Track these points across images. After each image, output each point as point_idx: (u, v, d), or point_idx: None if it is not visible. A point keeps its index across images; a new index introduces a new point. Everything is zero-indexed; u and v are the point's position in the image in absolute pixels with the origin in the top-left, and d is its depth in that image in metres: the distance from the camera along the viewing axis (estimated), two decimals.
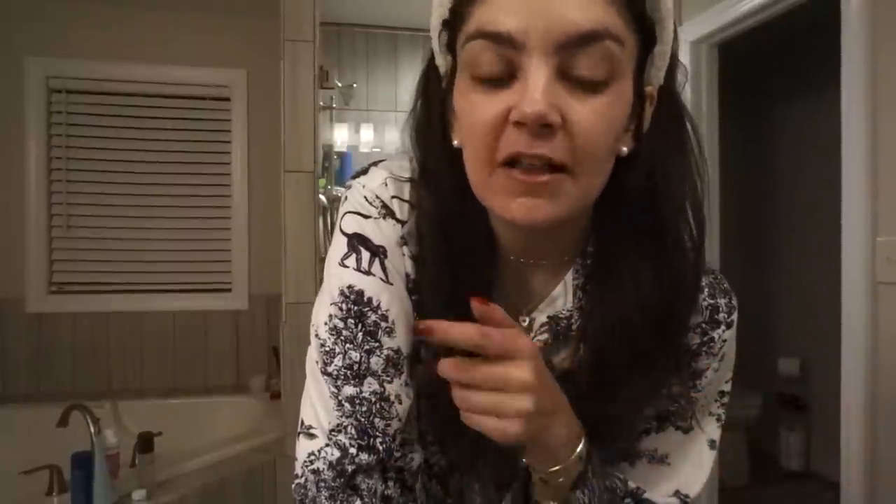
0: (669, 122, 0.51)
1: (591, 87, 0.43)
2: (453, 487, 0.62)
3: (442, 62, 0.52)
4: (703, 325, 0.56)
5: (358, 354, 0.52)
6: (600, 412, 0.54)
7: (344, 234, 0.54)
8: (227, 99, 2.78)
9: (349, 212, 0.55)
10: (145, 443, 1.70)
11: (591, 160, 0.45)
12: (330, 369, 0.52)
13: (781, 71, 3.46)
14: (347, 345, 0.52)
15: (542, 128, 0.42)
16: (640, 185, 0.49)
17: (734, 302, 0.57)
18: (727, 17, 2.02)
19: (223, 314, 2.77)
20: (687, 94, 0.56)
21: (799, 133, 3.37)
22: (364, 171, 0.58)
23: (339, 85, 2.84)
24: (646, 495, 0.59)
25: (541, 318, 0.56)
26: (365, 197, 0.55)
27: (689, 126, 0.52)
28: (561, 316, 0.55)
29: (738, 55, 2.49)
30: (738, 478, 3.07)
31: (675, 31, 0.49)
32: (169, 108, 2.73)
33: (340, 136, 2.94)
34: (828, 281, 1.96)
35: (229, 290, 2.79)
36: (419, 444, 0.55)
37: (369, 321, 0.52)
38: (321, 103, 2.25)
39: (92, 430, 1.61)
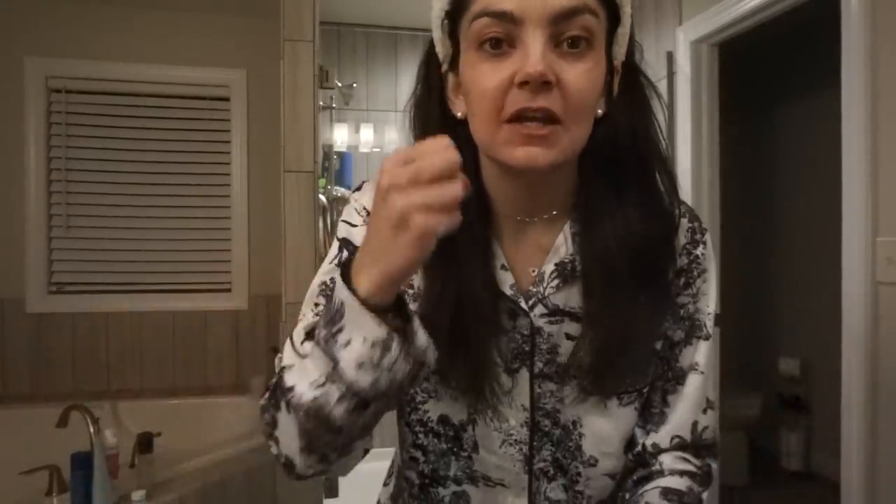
0: (634, 90, 0.61)
1: (576, 53, 0.53)
2: (467, 441, 0.65)
3: (441, 48, 0.61)
4: (688, 246, 0.66)
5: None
6: (613, 342, 0.60)
7: (337, 240, 0.66)
8: (227, 99, 2.78)
9: (342, 220, 0.67)
10: (145, 443, 1.70)
11: (580, 114, 0.55)
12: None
13: (781, 71, 3.46)
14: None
15: (542, 85, 0.51)
16: (613, 141, 0.59)
17: (704, 225, 0.69)
18: (727, 17, 2.03)
19: (223, 314, 2.77)
20: (672, 85, 0.64)
21: (799, 133, 3.37)
22: (359, 188, 0.69)
23: (339, 85, 2.84)
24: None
25: (549, 267, 0.63)
26: (355, 209, 0.67)
27: (651, 94, 0.62)
28: (566, 261, 0.63)
29: (738, 55, 2.49)
30: (738, 478, 3.07)
31: (632, 16, 0.60)
32: (169, 108, 2.73)
33: (340, 136, 2.94)
34: (828, 281, 1.96)
35: (229, 290, 2.78)
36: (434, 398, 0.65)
37: None
38: (321, 103, 2.25)
39: (91, 430, 1.61)
